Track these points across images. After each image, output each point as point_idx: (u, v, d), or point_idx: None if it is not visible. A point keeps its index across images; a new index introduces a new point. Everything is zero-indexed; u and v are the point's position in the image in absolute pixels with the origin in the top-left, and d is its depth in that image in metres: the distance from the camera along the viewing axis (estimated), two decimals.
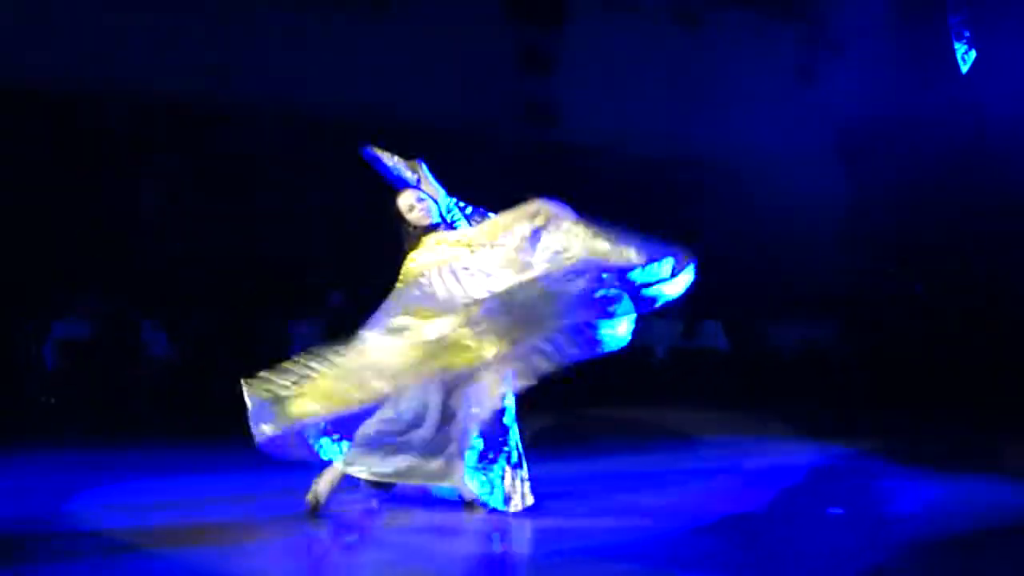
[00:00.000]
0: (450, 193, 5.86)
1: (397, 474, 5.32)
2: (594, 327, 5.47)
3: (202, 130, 13.35)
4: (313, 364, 5.35)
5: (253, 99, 12.62)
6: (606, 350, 5.54)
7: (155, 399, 10.81)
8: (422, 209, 5.64)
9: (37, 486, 6.34)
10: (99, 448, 8.18)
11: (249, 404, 5.26)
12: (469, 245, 5.53)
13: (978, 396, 10.95)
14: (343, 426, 5.44)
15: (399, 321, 5.42)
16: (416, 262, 5.59)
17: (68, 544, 4.87)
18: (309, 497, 5.29)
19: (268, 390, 5.28)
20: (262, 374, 5.33)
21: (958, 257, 13.50)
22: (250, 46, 12.43)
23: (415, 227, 5.65)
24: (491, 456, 5.44)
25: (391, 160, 5.76)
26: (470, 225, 5.70)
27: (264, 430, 5.25)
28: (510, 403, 5.49)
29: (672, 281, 5.41)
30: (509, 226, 5.47)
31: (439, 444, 5.33)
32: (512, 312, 5.34)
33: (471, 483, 5.42)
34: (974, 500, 6.04)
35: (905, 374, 12.14)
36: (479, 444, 5.42)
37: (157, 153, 13.32)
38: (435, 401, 5.34)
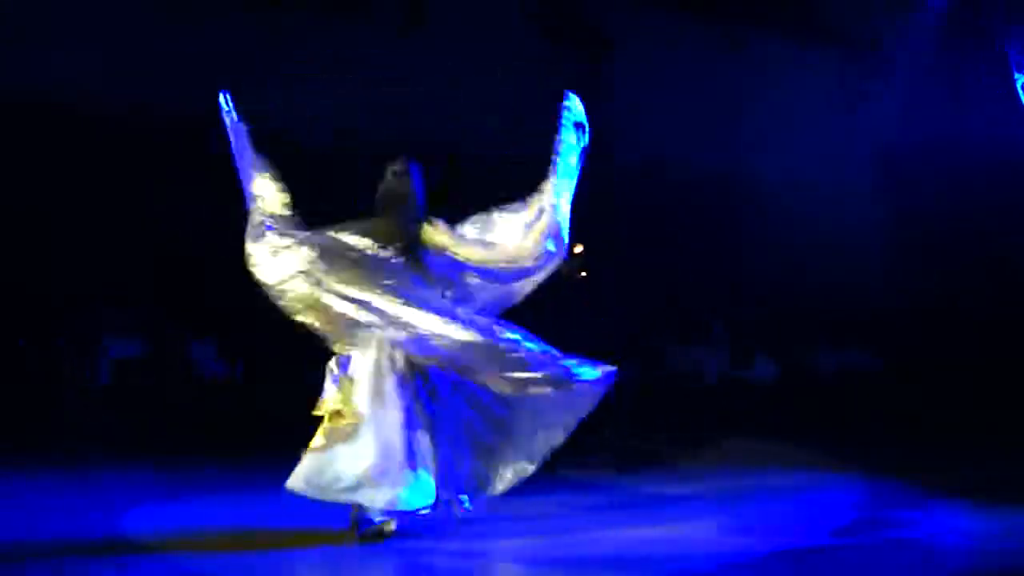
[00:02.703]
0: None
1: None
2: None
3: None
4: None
5: (296, 120, 12.73)
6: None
7: (205, 416, 10.94)
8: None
9: (90, 503, 6.47)
10: (151, 465, 8.28)
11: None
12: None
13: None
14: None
15: None
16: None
17: (118, 561, 4.97)
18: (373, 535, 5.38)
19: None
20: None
21: (1006, 281, 13.38)
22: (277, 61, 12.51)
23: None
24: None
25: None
26: None
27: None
28: None
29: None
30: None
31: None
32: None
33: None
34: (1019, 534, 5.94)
35: (954, 401, 12.03)
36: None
37: (208, 172, 13.48)
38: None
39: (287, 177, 5.85)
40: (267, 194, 5.68)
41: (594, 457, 8.52)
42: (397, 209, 5.72)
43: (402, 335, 5.39)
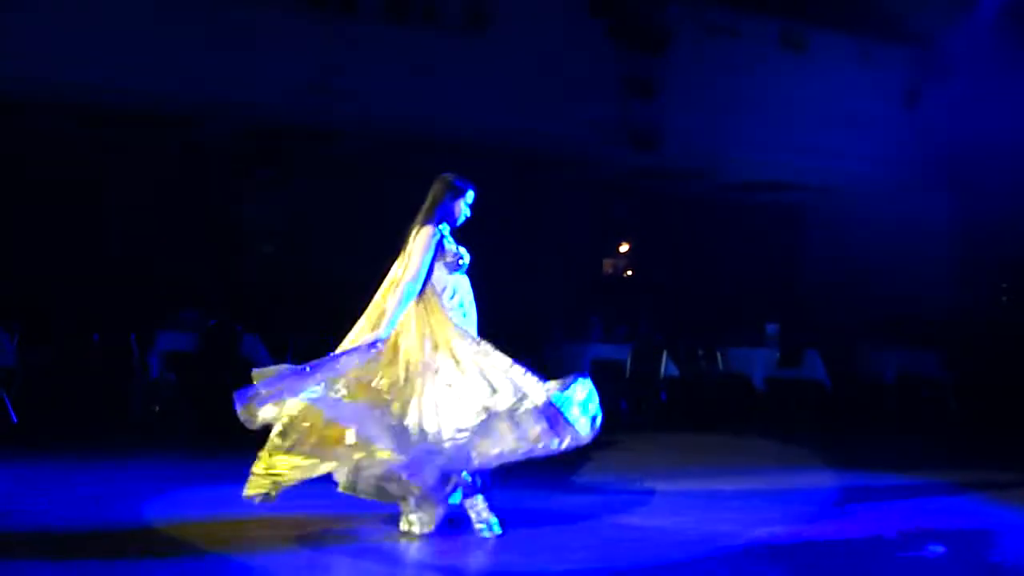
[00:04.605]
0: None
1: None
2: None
3: (301, 147, 13.61)
4: None
5: (349, 118, 12.78)
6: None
7: None
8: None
9: (140, 490, 6.55)
10: (200, 456, 8.35)
11: None
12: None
13: None
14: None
15: None
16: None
17: (168, 549, 5.01)
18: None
19: None
20: None
21: None
22: (348, 66, 12.56)
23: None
24: None
25: None
26: None
27: None
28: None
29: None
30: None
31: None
32: None
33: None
34: None
35: (1014, 404, 11.81)
36: None
37: (258, 170, 13.61)
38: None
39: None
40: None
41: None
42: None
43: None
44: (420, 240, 5.58)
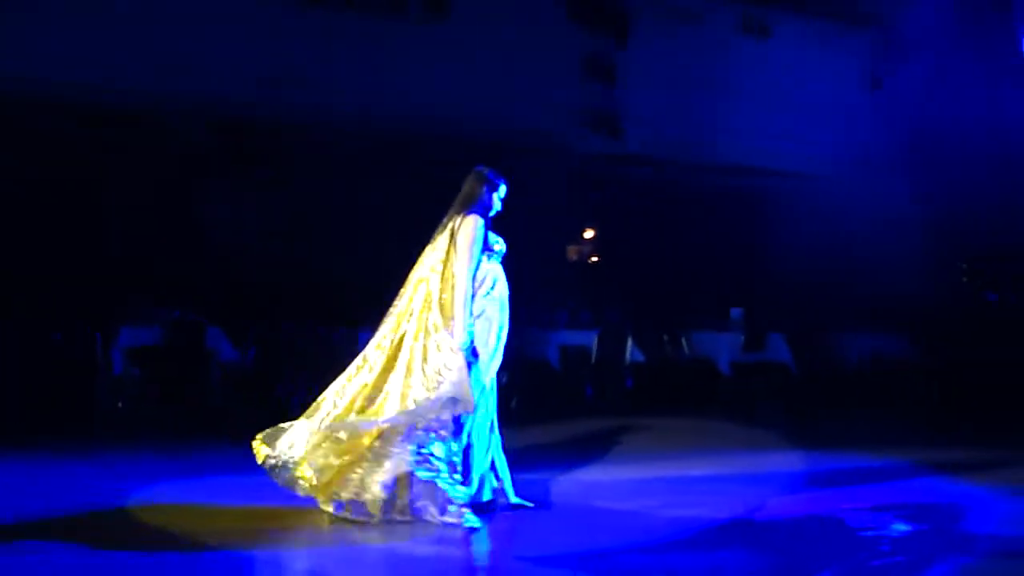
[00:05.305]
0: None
1: None
2: None
3: (263, 141, 13.51)
4: None
5: (312, 111, 12.71)
6: None
7: (220, 403, 10.96)
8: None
9: (101, 486, 6.50)
10: (166, 450, 8.29)
11: None
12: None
13: None
14: None
15: None
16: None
17: (140, 541, 4.97)
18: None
19: None
20: None
21: None
22: (307, 57, 12.50)
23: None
24: None
25: None
26: None
27: None
28: None
29: None
30: None
31: None
32: None
33: None
34: None
35: (977, 385, 11.90)
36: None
37: (221, 164, 13.50)
38: None
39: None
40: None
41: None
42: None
43: None
44: (467, 231, 5.66)
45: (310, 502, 5.64)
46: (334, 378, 5.68)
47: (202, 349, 11.02)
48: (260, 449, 5.56)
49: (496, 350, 5.75)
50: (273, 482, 5.57)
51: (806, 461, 7.86)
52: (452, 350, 5.48)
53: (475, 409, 5.52)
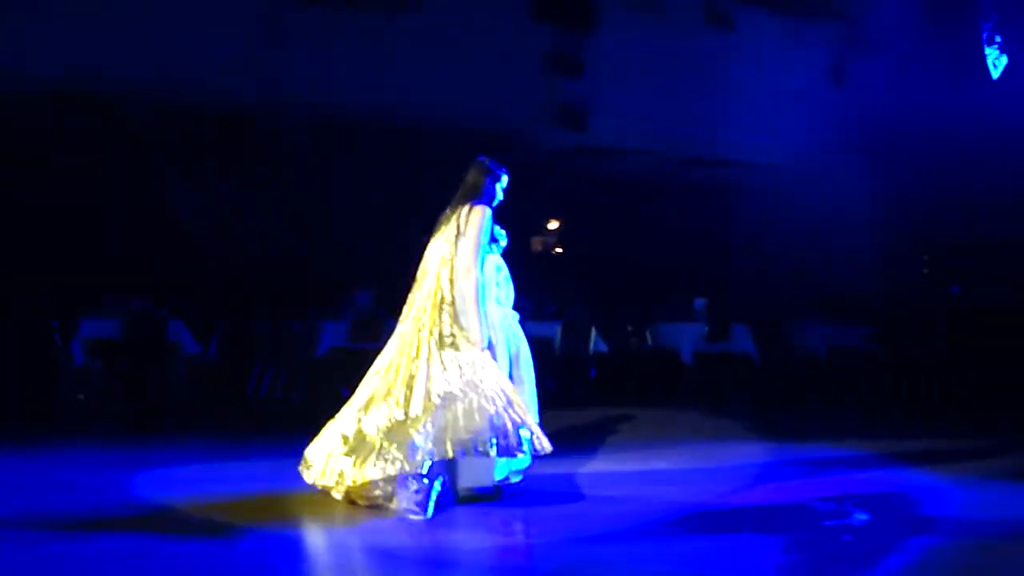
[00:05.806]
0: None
1: None
2: None
3: (230, 131, 13.41)
4: None
5: (279, 101, 12.65)
6: None
7: (182, 395, 10.87)
8: None
9: (72, 479, 6.44)
10: (128, 443, 8.22)
11: None
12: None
13: (1014, 401, 10.80)
14: None
15: None
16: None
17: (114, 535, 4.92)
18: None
19: None
20: None
21: (994, 258, 13.35)
22: (275, 48, 12.43)
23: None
24: None
25: None
26: None
27: None
28: None
29: None
30: None
31: None
32: None
33: None
34: (1003, 506, 5.97)
35: (938, 377, 12.02)
36: None
37: (186, 155, 13.40)
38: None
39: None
40: None
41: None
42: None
43: None
44: (475, 221, 5.67)
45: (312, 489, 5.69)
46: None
47: (163, 342, 10.92)
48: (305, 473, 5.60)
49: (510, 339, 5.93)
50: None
51: (770, 452, 7.90)
52: (469, 341, 5.53)
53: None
